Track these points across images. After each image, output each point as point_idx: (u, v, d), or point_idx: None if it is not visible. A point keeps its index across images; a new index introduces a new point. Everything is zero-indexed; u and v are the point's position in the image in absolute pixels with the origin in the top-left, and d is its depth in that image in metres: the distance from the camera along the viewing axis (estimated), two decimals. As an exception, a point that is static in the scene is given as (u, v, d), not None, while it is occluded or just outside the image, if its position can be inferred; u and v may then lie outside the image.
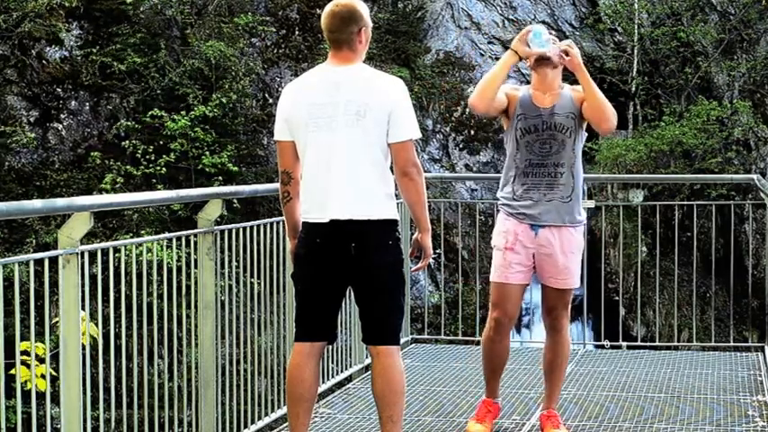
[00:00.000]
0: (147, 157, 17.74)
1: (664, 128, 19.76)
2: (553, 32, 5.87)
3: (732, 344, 9.18)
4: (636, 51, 21.20)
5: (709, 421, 6.41)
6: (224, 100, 18.07)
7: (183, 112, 17.81)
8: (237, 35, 19.29)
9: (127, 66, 18.17)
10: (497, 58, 22.14)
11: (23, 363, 4.75)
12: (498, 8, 21.75)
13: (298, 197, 4.91)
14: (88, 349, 4.88)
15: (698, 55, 21.34)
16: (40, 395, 4.72)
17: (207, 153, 17.77)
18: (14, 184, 17.47)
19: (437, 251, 17.55)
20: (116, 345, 4.95)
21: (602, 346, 8.89)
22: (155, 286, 5.85)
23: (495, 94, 5.63)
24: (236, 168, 17.84)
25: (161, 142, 17.83)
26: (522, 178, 5.71)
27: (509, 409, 6.65)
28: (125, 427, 5.76)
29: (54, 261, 4.46)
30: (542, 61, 5.69)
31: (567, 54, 5.62)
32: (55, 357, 4.60)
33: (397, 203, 4.95)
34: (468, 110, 20.18)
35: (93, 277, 4.70)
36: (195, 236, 5.69)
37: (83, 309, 4.49)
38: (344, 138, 4.73)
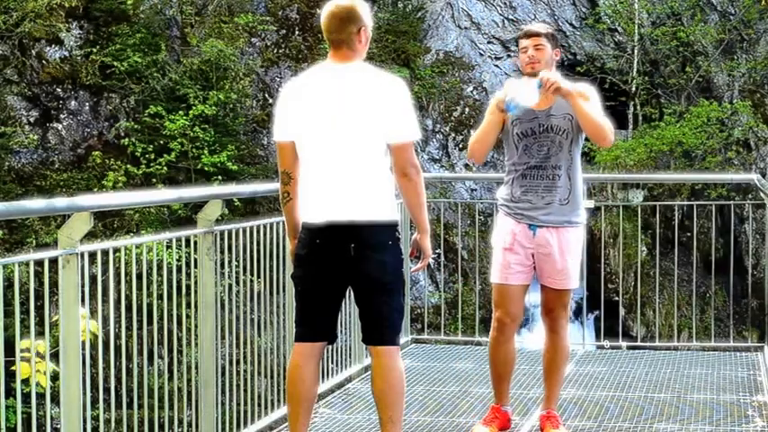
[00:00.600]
0: (147, 156, 17.74)
1: (664, 128, 19.76)
2: (552, 29, 5.83)
3: (732, 344, 9.17)
4: (636, 51, 21.20)
5: (709, 421, 6.41)
6: (221, 96, 18.06)
7: (182, 112, 17.81)
8: (237, 35, 19.30)
9: (127, 65, 18.17)
10: (497, 58, 22.21)
11: (24, 359, 4.75)
12: (498, 8, 21.75)
13: (298, 197, 4.91)
14: (88, 349, 4.88)
15: (698, 55, 21.35)
16: (40, 395, 4.72)
17: (207, 153, 17.77)
18: (14, 185, 17.47)
19: (437, 251, 17.55)
20: (116, 345, 4.95)
21: (602, 347, 8.89)
22: (155, 286, 5.85)
23: (491, 146, 5.74)
24: (236, 167, 17.83)
25: (161, 142, 17.84)
26: (521, 180, 5.70)
27: (510, 412, 6.64)
28: (125, 427, 5.76)
29: (54, 261, 4.46)
30: (536, 75, 5.66)
31: (553, 86, 5.48)
32: (55, 357, 4.60)
33: (398, 204, 4.95)
34: (467, 109, 20.19)
35: (93, 277, 4.70)
36: (195, 236, 5.69)
37: (82, 305, 4.48)
38: (344, 138, 4.73)
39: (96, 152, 17.97)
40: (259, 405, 6.31)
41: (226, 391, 5.96)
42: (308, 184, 4.83)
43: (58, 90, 18.46)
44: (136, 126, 18.12)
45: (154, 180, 17.56)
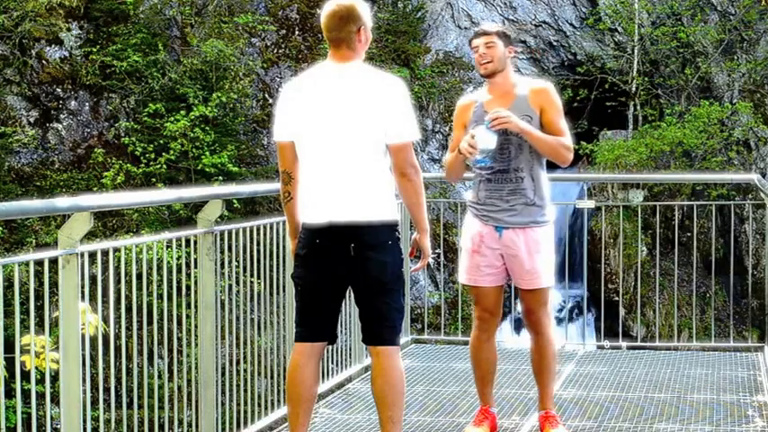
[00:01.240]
0: (147, 156, 17.74)
1: (664, 128, 19.76)
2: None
3: (732, 344, 9.17)
4: (636, 51, 21.20)
5: (709, 421, 6.41)
6: (224, 99, 18.07)
7: (183, 113, 17.81)
8: (237, 35, 19.30)
9: (127, 65, 18.17)
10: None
11: (25, 351, 4.75)
12: (498, 8, 21.75)
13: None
14: (88, 347, 4.88)
15: (698, 55, 21.34)
16: (40, 395, 4.73)
17: (207, 153, 17.76)
18: (14, 185, 17.47)
19: (437, 251, 17.56)
20: (116, 345, 4.95)
21: (602, 347, 8.89)
22: (155, 286, 5.86)
23: (463, 172, 5.83)
24: (236, 168, 17.84)
25: (161, 142, 17.84)
26: (486, 184, 5.72)
27: (509, 409, 6.65)
28: (125, 427, 5.76)
29: (54, 261, 4.46)
30: (490, 75, 5.68)
31: (499, 126, 5.49)
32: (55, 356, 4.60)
33: (397, 204, 4.95)
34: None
35: (93, 277, 4.70)
36: (195, 236, 5.69)
37: (82, 299, 4.48)
38: (343, 138, 4.73)
39: (99, 149, 17.97)
40: (259, 405, 6.31)
41: (226, 391, 5.96)
42: (307, 184, 4.84)
43: (58, 90, 18.47)
44: (136, 126, 18.12)
45: (154, 180, 17.56)
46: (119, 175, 17.45)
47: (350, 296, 5.00)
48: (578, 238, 16.16)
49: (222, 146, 17.97)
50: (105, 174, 17.51)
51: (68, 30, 18.56)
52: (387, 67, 18.40)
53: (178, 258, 6.66)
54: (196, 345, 5.68)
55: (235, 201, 16.36)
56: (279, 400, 6.47)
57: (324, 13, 4.84)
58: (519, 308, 5.94)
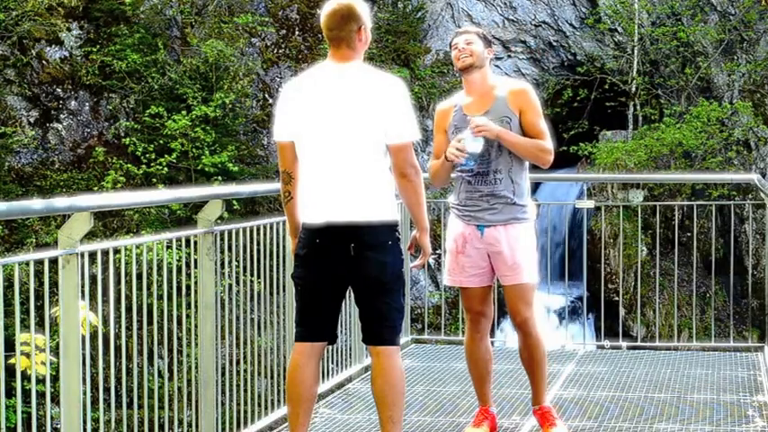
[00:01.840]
0: (148, 156, 17.74)
1: (664, 130, 19.75)
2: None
3: (732, 344, 9.17)
4: (636, 51, 21.19)
5: (710, 421, 6.41)
6: (227, 100, 18.07)
7: (184, 112, 17.81)
8: (237, 35, 19.30)
9: (127, 64, 18.16)
10: (498, 58, 22.17)
11: (23, 353, 4.75)
12: (498, 8, 21.75)
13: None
14: (88, 347, 4.88)
15: (698, 55, 21.34)
16: (41, 395, 4.73)
17: (207, 153, 17.76)
18: (14, 185, 17.47)
19: (437, 251, 17.55)
20: (116, 345, 4.95)
21: (602, 346, 8.89)
22: (155, 286, 5.85)
23: (449, 178, 5.83)
24: (236, 168, 17.84)
25: (161, 142, 17.83)
26: (466, 186, 5.75)
27: (509, 409, 6.65)
28: (125, 427, 5.76)
29: (54, 261, 4.46)
30: (467, 69, 5.72)
31: (480, 133, 5.55)
32: (55, 356, 4.60)
33: (398, 204, 4.95)
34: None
35: (93, 277, 4.70)
36: (195, 236, 5.69)
37: (82, 299, 4.48)
38: (343, 138, 4.73)
39: (100, 148, 17.97)
40: (259, 405, 6.31)
41: (226, 391, 5.96)
42: (307, 184, 4.84)
43: (58, 90, 18.46)
44: (136, 126, 18.12)
45: (154, 180, 17.55)
46: (119, 175, 17.44)
47: (350, 296, 5.01)
48: (578, 238, 16.15)
49: (222, 146, 17.97)
50: (106, 176, 17.49)
51: (68, 30, 18.56)
52: (387, 67, 18.40)
53: (178, 258, 6.67)
54: (196, 345, 5.69)
55: (234, 202, 16.36)
56: (279, 400, 6.47)
57: (324, 12, 4.84)
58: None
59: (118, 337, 5.04)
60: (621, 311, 16.16)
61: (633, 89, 21.09)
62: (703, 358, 8.42)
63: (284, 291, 6.49)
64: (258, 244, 6.25)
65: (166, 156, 17.67)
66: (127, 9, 18.69)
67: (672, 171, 19.24)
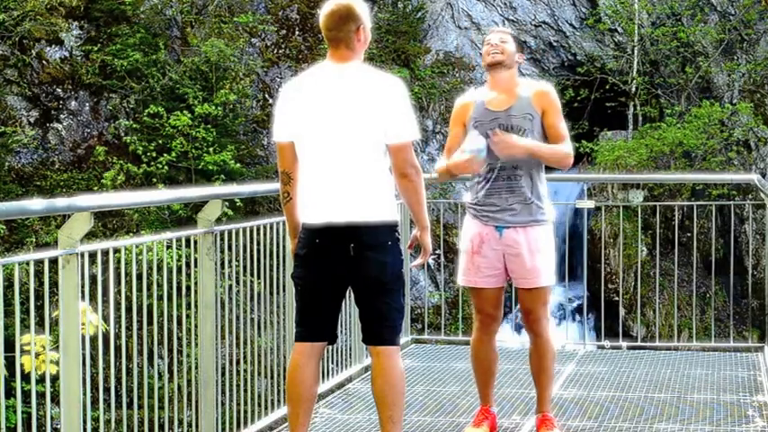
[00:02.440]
0: (148, 155, 17.74)
1: (665, 129, 19.75)
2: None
3: (732, 344, 9.17)
4: (636, 51, 21.19)
5: (710, 421, 6.41)
6: (231, 98, 18.06)
7: (186, 112, 17.80)
8: (237, 35, 19.30)
9: (128, 64, 18.15)
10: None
11: (24, 352, 4.75)
12: (498, 8, 21.75)
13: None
14: (88, 347, 4.88)
15: (698, 55, 21.34)
16: (41, 395, 4.73)
17: (210, 151, 17.75)
18: (14, 185, 17.47)
19: (437, 251, 17.55)
20: (116, 345, 4.95)
21: (603, 347, 8.89)
22: (155, 286, 5.85)
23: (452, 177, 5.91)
24: (237, 166, 17.83)
25: (161, 141, 17.83)
26: (484, 183, 5.71)
27: (509, 409, 6.65)
28: (125, 427, 5.76)
29: (54, 261, 4.46)
30: (494, 66, 5.69)
31: (503, 150, 5.55)
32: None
33: (398, 204, 4.95)
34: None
35: (93, 277, 4.70)
36: (195, 236, 5.69)
37: (82, 299, 4.48)
38: (342, 138, 4.73)
39: (100, 148, 17.97)
40: (259, 405, 6.31)
41: (226, 391, 5.96)
42: (307, 185, 4.84)
43: (58, 90, 18.47)
44: (136, 125, 18.12)
45: (154, 179, 17.55)
46: (119, 174, 17.44)
47: (350, 296, 5.01)
48: (578, 238, 16.15)
49: (222, 146, 17.98)
50: (105, 174, 17.49)
51: (68, 30, 18.56)
52: (387, 68, 18.40)
53: (178, 258, 6.67)
54: (196, 345, 5.69)
55: (237, 200, 16.37)
56: (279, 400, 6.47)
57: (323, 12, 4.84)
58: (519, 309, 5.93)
59: (118, 336, 5.04)
60: (621, 311, 16.16)
61: (633, 89, 21.09)
62: (703, 358, 8.42)
63: (284, 291, 6.49)
64: (258, 244, 6.25)
65: (166, 155, 17.66)
66: (127, 9, 18.69)
67: (672, 171, 19.24)
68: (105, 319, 4.93)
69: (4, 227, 16.33)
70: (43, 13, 18.26)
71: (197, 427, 5.61)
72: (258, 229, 6.30)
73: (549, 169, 5.86)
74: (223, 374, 5.87)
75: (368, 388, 5.29)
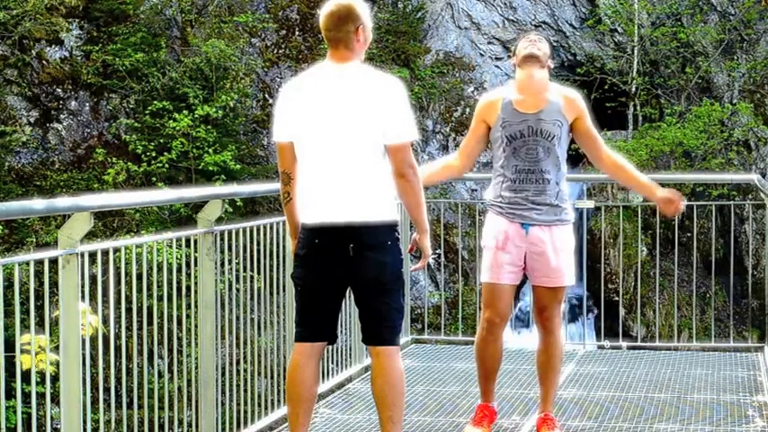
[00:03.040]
0: (148, 154, 17.74)
1: (665, 129, 19.75)
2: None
3: (732, 344, 9.17)
4: (636, 52, 21.19)
5: (710, 421, 6.41)
6: (231, 103, 18.05)
7: (186, 112, 17.80)
8: (237, 35, 19.30)
9: (129, 63, 18.15)
10: (498, 59, 22.17)
11: (24, 351, 4.75)
12: (498, 8, 21.75)
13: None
14: (88, 347, 4.88)
15: (698, 55, 21.34)
16: (41, 395, 4.73)
17: (211, 152, 17.74)
18: (14, 185, 17.47)
19: (437, 251, 17.55)
20: (116, 345, 4.95)
21: (602, 347, 8.89)
22: (155, 286, 5.85)
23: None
24: (238, 167, 17.83)
25: (161, 141, 17.84)
26: (510, 184, 5.70)
27: (509, 409, 6.65)
28: (125, 427, 5.76)
29: (54, 261, 4.46)
30: (530, 59, 5.63)
31: None
32: (55, 357, 4.60)
33: (397, 204, 4.95)
34: (468, 110, 20.20)
35: (93, 277, 4.70)
36: (195, 236, 5.69)
37: (82, 299, 4.48)
38: (342, 139, 4.73)
39: (100, 149, 17.97)
40: (259, 405, 6.31)
41: (226, 391, 5.96)
42: (307, 185, 4.84)
43: (58, 90, 18.47)
44: (136, 125, 18.11)
45: (154, 179, 17.55)
46: (120, 174, 17.44)
47: (350, 296, 5.01)
48: (578, 238, 16.15)
49: (223, 146, 17.98)
50: (107, 171, 17.48)
51: (68, 30, 18.56)
52: (387, 68, 18.40)
53: (178, 258, 6.67)
54: (196, 345, 5.69)
55: (237, 200, 16.37)
56: (279, 400, 6.47)
57: (323, 12, 4.84)
58: (531, 306, 5.95)
59: (118, 337, 5.04)
60: (621, 311, 16.17)
61: (633, 89, 21.10)
62: (703, 358, 8.43)
63: (284, 291, 6.49)
64: (258, 244, 6.25)
65: (166, 154, 17.67)
66: (128, 9, 18.69)
67: (672, 171, 19.24)
68: (105, 319, 4.93)
69: (4, 227, 16.33)
70: (43, 13, 18.27)
71: (197, 427, 5.61)
72: (258, 229, 6.30)
73: None
74: (223, 374, 5.87)
75: (368, 388, 5.29)
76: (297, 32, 20.40)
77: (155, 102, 17.88)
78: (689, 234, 17.90)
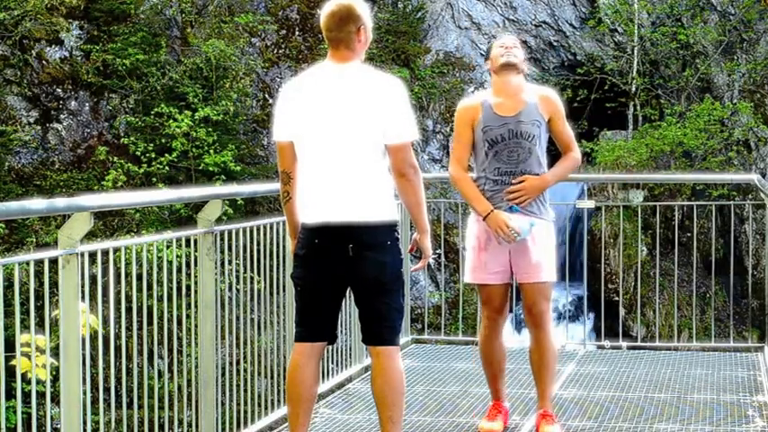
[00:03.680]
0: (148, 155, 17.74)
1: (665, 128, 19.75)
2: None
3: (732, 344, 9.17)
4: (636, 52, 21.19)
5: (710, 421, 6.41)
6: (231, 108, 18.04)
7: (188, 112, 17.79)
8: (237, 35, 19.30)
9: (129, 63, 18.14)
10: (497, 59, 22.17)
11: (23, 354, 4.75)
12: (498, 8, 21.75)
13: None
14: (88, 347, 4.88)
15: (698, 55, 21.33)
16: (41, 395, 4.73)
17: (211, 152, 17.74)
18: (14, 184, 17.47)
19: (437, 251, 17.55)
20: (116, 345, 4.95)
21: (602, 347, 8.89)
22: (155, 286, 5.85)
23: None
24: (238, 167, 17.83)
25: (161, 141, 17.83)
26: (491, 185, 5.78)
27: (509, 408, 6.65)
28: (125, 427, 5.76)
29: (54, 261, 4.46)
30: (507, 67, 5.73)
31: (523, 197, 5.71)
32: (55, 356, 4.60)
33: (397, 204, 4.95)
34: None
35: (93, 277, 4.70)
36: (195, 236, 5.69)
37: (83, 300, 4.48)
38: (342, 138, 4.73)
39: (101, 148, 17.96)
40: (259, 405, 6.31)
41: (226, 391, 5.96)
42: (307, 185, 4.84)
43: (58, 90, 18.46)
44: (136, 125, 18.10)
45: (154, 179, 17.55)
46: (119, 179, 17.43)
47: (350, 296, 5.01)
48: (578, 238, 16.16)
49: (223, 146, 17.98)
50: (107, 175, 17.47)
51: (68, 30, 18.56)
52: (387, 68, 18.40)
53: (178, 258, 6.66)
54: (196, 345, 5.69)
55: (238, 200, 16.37)
56: (279, 400, 6.47)
57: (323, 13, 4.84)
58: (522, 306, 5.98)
59: (118, 337, 5.04)
60: (621, 311, 16.16)
61: (633, 89, 21.09)
62: (703, 358, 8.43)
63: (284, 291, 6.49)
64: (258, 244, 6.25)
65: (166, 155, 17.66)
66: (128, 9, 18.69)
67: (672, 171, 19.24)
68: (105, 319, 4.93)
69: (5, 227, 16.33)
70: (43, 13, 18.26)
71: (197, 427, 5.61)
72: (258, 229, 6.30)
73: None
74: (223, 374, 5.87)
75: (368, 388, 5.29)
76: (297, 32, 20.40)
77: (161, 105, 17.85)
78: (689, 234, 17.90)
